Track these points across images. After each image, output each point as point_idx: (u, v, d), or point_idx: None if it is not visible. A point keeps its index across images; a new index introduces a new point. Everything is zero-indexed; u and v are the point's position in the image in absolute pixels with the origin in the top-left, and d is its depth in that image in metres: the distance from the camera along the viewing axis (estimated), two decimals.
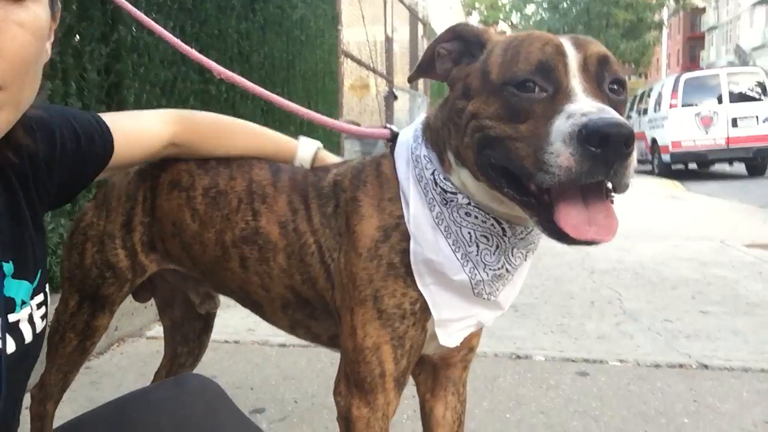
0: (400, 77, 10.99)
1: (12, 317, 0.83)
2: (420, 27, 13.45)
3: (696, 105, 11.73)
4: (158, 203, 1.34)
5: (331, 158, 1.34)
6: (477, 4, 34.59)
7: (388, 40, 10.42)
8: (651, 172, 12.87)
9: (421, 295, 1.07)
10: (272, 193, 1.25)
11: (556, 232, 0.88)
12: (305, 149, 1.32)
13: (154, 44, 3.17)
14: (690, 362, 2.42)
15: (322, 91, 6.52)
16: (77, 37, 2.68)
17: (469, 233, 1.03)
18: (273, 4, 5.00)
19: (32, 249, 0.89)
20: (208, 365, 2.24)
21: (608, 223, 0.88)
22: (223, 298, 1.53)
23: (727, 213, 6.80)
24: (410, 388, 1.27)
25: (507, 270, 1.06)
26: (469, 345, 1.25)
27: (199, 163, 1.34)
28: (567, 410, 2.04)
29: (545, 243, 1.02)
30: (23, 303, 0.85)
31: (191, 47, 1.42)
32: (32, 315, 0.87)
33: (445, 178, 1.05)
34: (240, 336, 2.79)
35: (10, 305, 0.83)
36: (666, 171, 12.24)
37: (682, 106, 11.76)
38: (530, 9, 32.31)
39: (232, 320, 2.89)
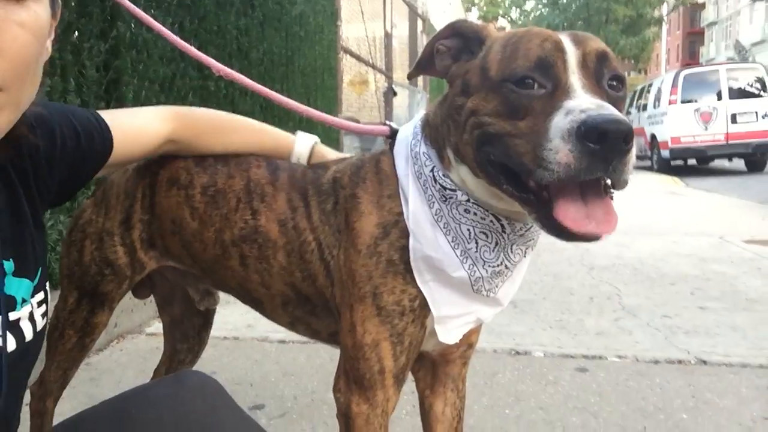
0: (400, 73, 10.95)
1: (13, 315, 0.83)
2: (419, 23, 13.41)
3: (695, 101, 11.73)
4: (157, 200, 1.34)
5: (328, 152, 1.33)
6: (476, 0, 34.50)
7: (388, 36, 10.38)
8: (650, 168, 12.87)
9: (420, 292, 1.07)
10: (271, 191, 1.25)
11: (555, 228, 0.88)
12: (302, 144, 1.32)
13: (153, 41, 3.16)
14: (689, 358, 2.42)
15: (321, 87, 6.52)
16: (76, 33, 2.68)
17: (469, 230, 1.03)
18: (272, 1, 4.99)
19: (33, 247, 0.89)
20: (207, 362, 2.24)
21: (607, 219, 0.88)
22: (222, 295, 1.53)
23: (726, 209, 6.80)
24: (409, 384, 1.27)
25: (506, 266, 1.06)
26: (468, 341, 1.25)
27: (197, 161, 1.33)
28: (566, 406, 2.04)
29: (544, 239, 1.02)
30: (24, 301, 0.85)
31: (190, 44, 1.42)
32: (33, 313, 0.87)
33: (444, 175, 1.05)
34: (239, 332, 2.79)
35: (11, 303, 0.83)
36: (665, 167, 12.24)
37: (682, 102, 11.76)
38: (530, 5, 32.22)
39: (232, 317, 2.89)
